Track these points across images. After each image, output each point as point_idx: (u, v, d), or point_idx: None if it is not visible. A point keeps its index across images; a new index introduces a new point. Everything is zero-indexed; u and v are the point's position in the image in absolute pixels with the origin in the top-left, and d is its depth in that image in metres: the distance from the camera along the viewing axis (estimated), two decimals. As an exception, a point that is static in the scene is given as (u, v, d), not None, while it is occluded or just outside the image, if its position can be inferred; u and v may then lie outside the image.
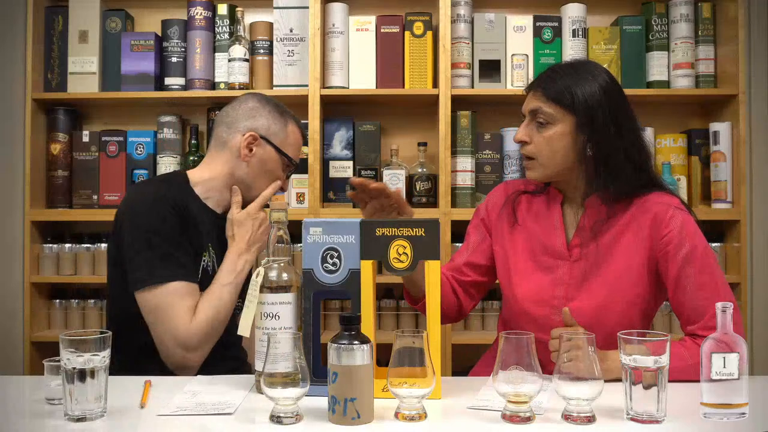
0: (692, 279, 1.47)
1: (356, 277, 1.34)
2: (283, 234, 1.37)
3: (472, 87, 2.63)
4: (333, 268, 1.35)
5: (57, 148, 2.69)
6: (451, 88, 2.55)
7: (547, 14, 2.66)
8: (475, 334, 2.62)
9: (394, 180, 2.60)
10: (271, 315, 1.34)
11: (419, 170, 2.63)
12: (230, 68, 2.62)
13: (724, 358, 1.17)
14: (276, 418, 1.17)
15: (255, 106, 1.77)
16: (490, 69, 2.64)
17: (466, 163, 2.60)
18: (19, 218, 2.70)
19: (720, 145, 2.59)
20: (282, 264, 1.36)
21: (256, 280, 1.35)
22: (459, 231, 1.89)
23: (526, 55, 2.64)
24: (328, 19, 2.62)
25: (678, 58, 2.63)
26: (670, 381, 1.18)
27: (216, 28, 2.67)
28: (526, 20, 2.65)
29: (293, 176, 2.62)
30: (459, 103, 2.63)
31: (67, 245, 2.66)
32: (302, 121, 2.58)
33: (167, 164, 2.66)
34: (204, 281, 1.65)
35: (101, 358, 1.17)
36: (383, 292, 2.59)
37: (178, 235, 1.61)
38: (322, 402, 1.20)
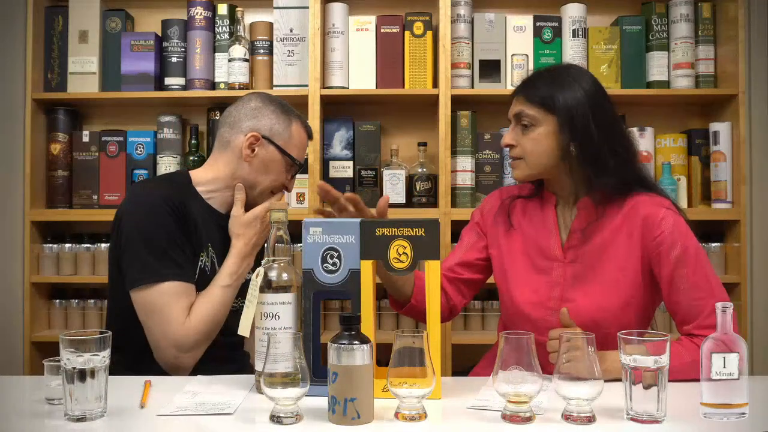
0: (686, 279, 1.49)
1: (356, 277, 1.34)
2: (283, 234, 1.37)
3: (472, 87, 2.63)
4: (333, 268, 1.35)
5: (57, 148, 2.69)
6: (451, 88, 2.55)
7: (547, 14, 2.66)
8: (475, 334, 2.62)
9: (394, 180, 2.60)
10: (271, 315, 1.34)
11: (419, 170, 2.63)
12: (230, 68, 2.62)
13: (724, 358, 1.17)
14: (276, 418, 1.17)
15: (258, 106, 1.77)
16: (490, 69, 2.64)
17: (466, 163, 2.60)
18: (19, 218, 2.70)
19: (720, 145, 2.59)
20: (282, 264, 1.36)
21: (256, 280, 1.35)
22: (459, 231, 1.88)
23: (526, 55, 2.64)
24: (328, 19, 2.62)
25: (678, 58, 2.63)
26: (669, 381, 1.18)
27: (216, 28, 2.67)
28: (526, 20, 2.65)
29: (293, 176, 2.62)
30: (459, 103, 2.63)
31: (67, 245, 2.66)
32: (302, 121, 2.60)
33: (167, 164, 2.65)
34: (201, 281, 1.65)
35: (101, 358, 1.17)
36: (383, 292, 2.59)
37: (176, 234, 1.61)
38: (322, 402, 1.20)
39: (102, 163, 2.68)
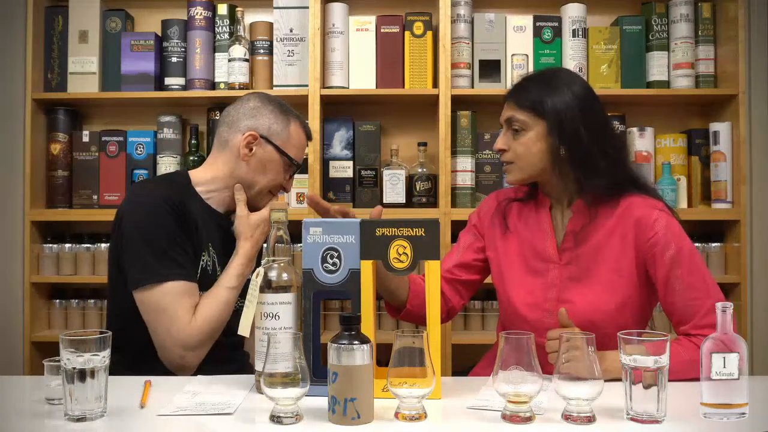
0: (681, 280, 1.50)
1: (356, 277, 1.34)
2: (283, 234, 1.37)
3: (472, 87, 2.63)
4: (333, 268, 1.35)
5: (57, 148, 2.69)
6: (451, 88, 2.55)
7: (547, 14, 2.66)
8: (475, 334, 2.62)
9: (394, 180, 2.60)
10: (271, 315, 1.34)
11: (419, 170, 2.63)
12: (230, 68, 2.62)
13: (724, 358, 1.17)
14: (276, 418, 1.17)
15: (256, 106, 1.77)
16: (490, 69, 2.64)
17: (466, 163, 2.60)
18: (19, 218, 2.70)
19: (720, 145, 2.59)
20: (282, 264, 1.36)
21: (256, 280, 1.35)
22: (459, 231, 1.88)
23: (526, 55, 2.64)
24: (328, 19, 2.62)
25: (678, 58, 2.63)
26: (669, 381, 1.18)
27: (216, 28, 2.67)
28: (526, 20, 2.65)
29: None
30: (459, 103, 2.63)
31: (67, 245, 2.66)
32: (302, 121, 2.60)
33: (167, 164, 2.65)
34: (203, 281, 1.65)
35: (101, 358, 1.17)
36: (383, 292, 2.60)
37: (177, 234, 1.61)
38: (322, 402, 1.20)
39: (102, 163, 2.68)
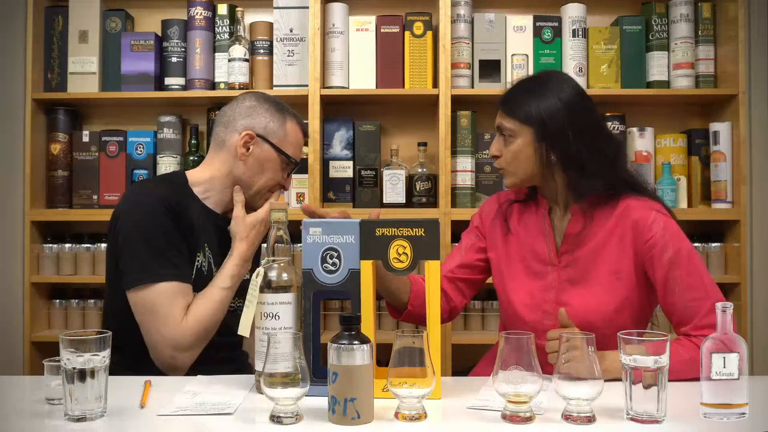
0: (680, 281, 1.50)
1: (356, 277, 1.34)
2: (283, 234, 1.37)
3: (472, 87, 2.63)
4: (333, 268, 1.35)
5: (57, 148, 2.69)
6: (451, 88, 2.55)
7: (547, 14, 2.66)
8: (475, 334, 2.62)
9: (394, 180, 2.60)
10: (271, 315, 1.34)
11: (419, 170, 2.63)
12: (230, 68, 2.62)
13: (724, 358, 1.17)
14: (276, 418, 1.17)
15: (252, 105, 1.76)
16: (490, 69, 2.64)
17: (466, 163, 2.60)
18: (19, 218, 2.70)
19: (720, 145, 2.59)
20: (282, 264, 1.36)
21: (256, 280, 1.35)
22: (459, 231, 1.89)
23: (526, 55, 2.64)
24: (328, 19, 2.62)
25: (678, 58, 2.63)
26: (669, 380, 1.18)
27: (216, 28, 2.67)
28: (526, 20, 2.65)
29: (293, 176, 2.61)
30: (459, 103, 2.63)
31: (67, 245, 2.66)
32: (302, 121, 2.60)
33: (167, 164, 2.65)
34: (198, 281, 1.64)
35: (101, 358, 1.17)
36: (383, 292, 2.59)
37: (173, 234, 1.61)
38: (322, 402, 1.20)
39: (102, 163, 2.68)
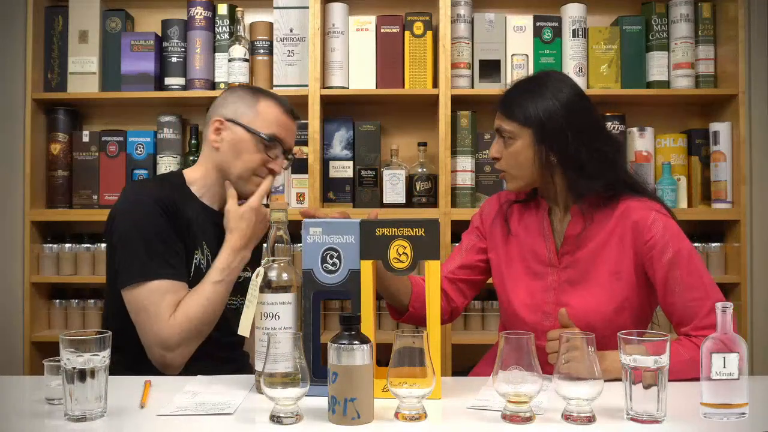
0: (680, 281, 1.50)
1: (356, 277, 1.34)
2: (283, 234, 1.37)
3: (472, 87, 2.63)
4: (333, 268, 1.35)
5: (57, 148, 2.69)
6: (451, 88, 2.55)
7: (547, 14, 2.66)
8: (475, 334, 2.62)
9: (394, 180, 2.60)
10: (271, 315, 1.34)
11: (419, 170, 2.63)
12: (230, 68, 2.62)
13: (724, 358, 1.17)
14: (276, 418, 1.17)
15: (225, 95, 1.77)
16: (490, 69, 2.64)
17: (466, 163, 2.60)
18: (19, 218, 2.70)
19: (720, 145, 2.59)
20: (282, 264, 1.36)
21: (256, 280, 1.35)
22: (459, 231, 1.89)
23: (526, 55, 2.64)
24: (328, 19, 2.62)
25: (678, 58, 2.63)
26: (669, 380, 1.18)
27: (216, 28, 2.67)
28: (526, 20, 2.65)
29: (293, 176, 2.62)
30: (459, 103, 2.63)
31: (67, 245, 2.66)
32: (302, 121, 2.59)
33: (167, 164, 2.65)
34: (196, 280, 1.64)
35: (101, 358, 1.17)
36: (383, 292, 2.59)
37: (167, 233, 1.61)
38: (322, 402, 1.20)
39: (102, 163, 2.68)
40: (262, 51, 2.67)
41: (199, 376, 1.49)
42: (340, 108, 2.73)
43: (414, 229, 1.33)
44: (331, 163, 2.64)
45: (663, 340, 1.17)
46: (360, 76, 2.63)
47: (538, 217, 1.67)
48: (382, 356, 1.29)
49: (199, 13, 2.65)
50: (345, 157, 2.64)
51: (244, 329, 1.36)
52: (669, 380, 1.18)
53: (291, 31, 2.64)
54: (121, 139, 2.68)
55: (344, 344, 1.15)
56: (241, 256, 1.65)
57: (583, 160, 1.56)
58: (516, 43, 2.64)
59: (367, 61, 2.63)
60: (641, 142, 2.64)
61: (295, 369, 1.16)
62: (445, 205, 2.53)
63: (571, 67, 2.61)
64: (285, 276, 1.35)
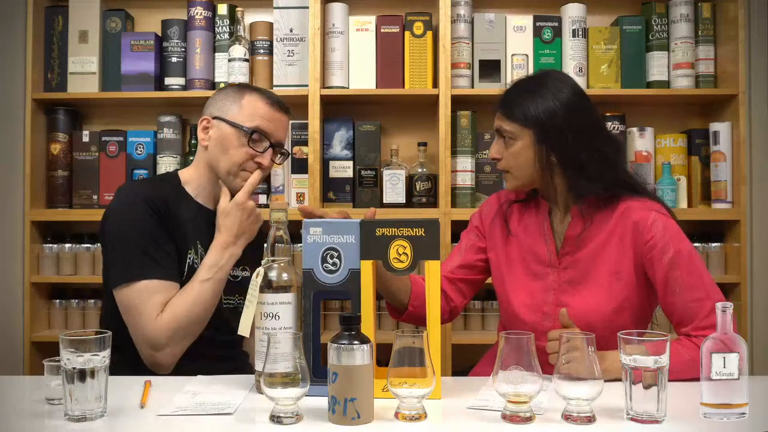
0: (680, 281, 1.50)
1: (356, 277, 1.34)
2: (283, 234, 1.37)
3: (472, 87, 2.63)
4: (333, 268, 1.35)
5: (57, 148, 2.69)
6: (451, 88, 2.55)
7: (547, 14, 2.66)
8: (475, 334, 2.62)
9: (394, 180, 2.60)
10: (271, 315, 1.34)
11: (419, 170, 2.63)
12: (230, 68, 2.62)
13: (724, 358, 1.17)
14: (276, 418, 1.17)
15: (213, 94, 1.78)
16: (490, 69, 2.64)
17: (466, 163, 2.60)
18: (19, 218, 2.70)
19: (720, 145, 2.59)
20: (282, 264, 1.36)
21: (256, 280, 1.35)
22: (459, 231, 1.88)
23: (526, 55, 2.64)
24: (328, 19, 2.62)
25: (678, 58, 2.63)
26: (669, 380, 1.18)
27: (216, 28, 2.67)
28: (526, 20, 2.65)
29: (293, 176, 2.62)
30: (459, 103, 2.63)
31: (67, 245, 2.66)
32: (302, 121, 2.60)
33: (167, 164, 2.65)
34: (190, 279, 1.64)
35: (101, 358, 1.17)
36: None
37: (157, 234, 1.61)
38: (322, 402, 1.20)
39: (102, 163, 2.68)
40: (262, 51, 2.67)
41: (198, 376, 1.49)
42: (340, 108, 2.73)
43: (414, 229, 1.33)
44: (331, 163, 2.64)
45: (663, 340, 1.17)
46: (360, 76, 2.63)
47: (539, 217, 1.67)
48: (382, 356, 1.29)
49: (199, 13, 2.65)
50: (345, 157, 2.64)
51: (244, 329, 1.36)
52: (669, 380, 1.18)
53: (291, 31, 2.64)
54: (121, 139, 2.68)
55: (344, 344, 1.15)
56: (229, 253, 1.64)
57: (583, 160, 1.56)
58: (516, 43, 2.64)
59: (367, 61, 2.63)
60: (641, 142, 2.64)
61: (295, 369, 1.16)
62: (445, 205, 2.53)
63: (571, 67, 2.61)
64: (285, 276, 1.35)
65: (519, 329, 1.55)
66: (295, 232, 1.36)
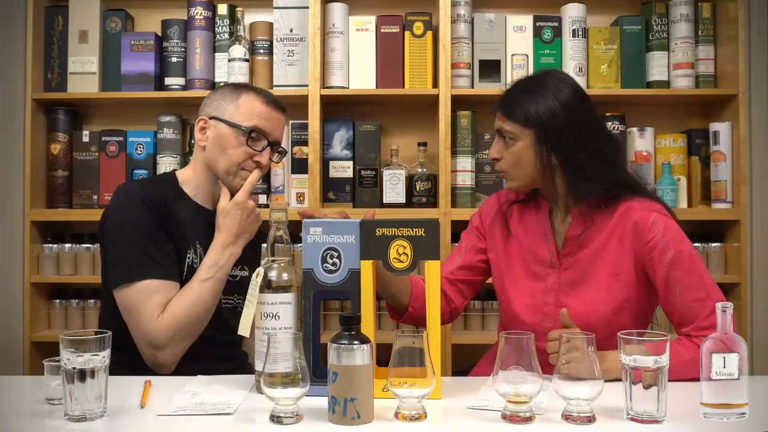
0: (681, 282, 1.50)
1: (356, 277, 1.34)
2: (283, 234, 1.37)
3: (472, 87, 2.63)
4: (333, 268, 1.35)
5: (57, 148, 2.69)
6: (451, 88, 2.55)
7: (547, 14, 2.66)
8: (475, 334, 2.62)
9: (394, 180, 2.60)
10: (271, 315, 1.34)
11: (419, 170, 2.63)
12: (230, 68, 2.62)
13: (724, 358, 1.17)
14: (276, 418, 1.17)
15: (210, 94, 1.78)
16: (490, 69, 2.64)
17: (466, 163, 2.60)
18: (19, 218, 2.70)
19: (720, 145, 2.59)
20: (282, 264, 1.36)
21: (256, 280, 1.35)
22: (459, 231, 1.89)
23: (526, 55, 2.64)
24: (328, 19, 2.62)
25: (678, 58, 2.63)
26: (669, 380, 1.18)
27: (216, 28, 2.67)
28: (526, 20, 2.65)
29: (293, 176, 2.62)
30: (459, 103, 2.63)
31: (67, 245, 2.66)
32: (302, 121, 2.60)
33: (167, 164, 2.65)
34: (190, 278, 1.64)
35: (101, 358, 1.17)
36: (383, 292, 2.59)
37: (156, 234, 1.61)
38: (322, 402, 1.20)
39: (102, 163, 2.68)
40: (262, 51, 2.67)
41: (198, 376, 1.49)
42: (340, 108, 2.73)
43: (414, 229, 1.33)
44: (331, 163, 2.64)
45: (663, 340, 1.17)
46: (360, 76, 2.63)
47: (539, 217, 1.67)
48: (382, 356, 1.29)
49: (199, 13, 2.65)
50: (345, 157, 2.64)
51: (244, 329, 1.36)
52: (669, 380, 1.18)
53: (291, 31, 2.64)
54: (121, 139, 2.68)
55: (344, 344, 1.15)
56: (229, 252, 1.64)
57: (584, 160, 1.55)
58: (516, 43, 2.64)
59: (367, 61, 2.63)
60: (641, 142, 2.64)
61: (295, 369, 1.16)
62: (445, 205, 2.53)
63: (571, 67, 2.61)
64: (285, 276, 1.35)
65: (519, 329, 1.56)
66: (295, 232, 1.36)
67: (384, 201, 2.60)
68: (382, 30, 2.63)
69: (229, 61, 2.62)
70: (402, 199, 2.60)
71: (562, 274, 1.61)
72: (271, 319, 1.33)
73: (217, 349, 1.71)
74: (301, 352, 1.17)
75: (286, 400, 1.16)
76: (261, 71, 2.66)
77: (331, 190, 2.63)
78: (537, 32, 2.64)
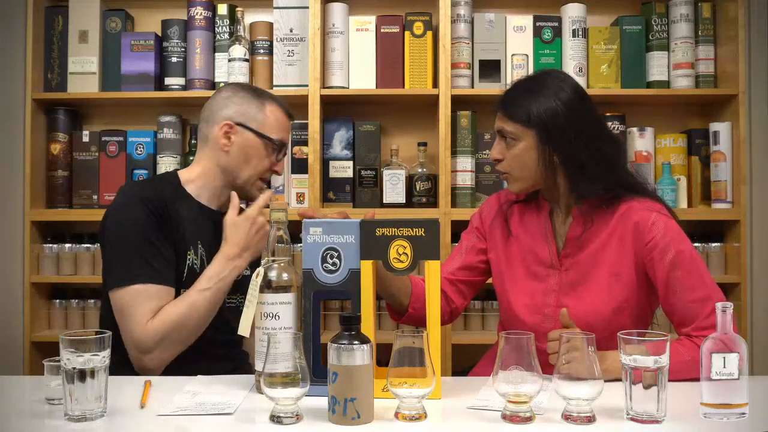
0: (681, 282, 1.50)
1: (356, 277, 1.34)
2: (283, 234, 1.37)
3: (472, 87, 2.63)
4: (333, 268, 1.35)
5: (57, 148, 2.68)
6: (451, 88, 2.55)
7: (547, 14, 2.66)
8: (475, 334, 2.62)
9: (394, 180, 2.60)
10: (271, 315, 1.34)
11: (419, 170, 2.63)
12: (230, 68, 2.62)
13: (724, 358, 1.17)
14: (276, 418, 1.17)
15: (228, 95, 1.77)
16: (490, 69, 2.64)
17: (466, 163, 2.60)
18: (19, 218, 2.70)
19: (720, 145, 2.59)
20: (282, 264, 1.36)
21: (256, 280, 1.35)
22: (459, 231, 1.89)
23: (526, 55, 2.64)
24: (328, 19, 2.62)
25: (678, 58, 2.63)
26: (669, 380, 1.18)
27: (216, 28, 2.67)
28: (526, 20, 2.65)
29: (293, 176, 2.62)
30: (459, 103, 2.63)
31: (67, 245, 2.66)
32: (302, 121, 2.60)
33: (167, 164, 2.65)
34: (190, 280, 1.64)
35: (101, 358, 1.18)
36: (383, 292, 2.59)
37: (154, 236, 1.61)
38: (322, 402, 1.20)
39: (102, 163, 2.68)
40: (262, 51, 2.67)
41: (198, 376, 1.49)
42: (340, 108, 2.73)
43: (414, 229, 1.33)
44: (331, 163, 2.64)
45: (663, 340, 1.17)
46: (360, 76, 2.63)
47: (540, 218, 1.67)
48: (382, 356, 1.29)
49: (199, 13, 2.65)
50: (345, 157, 2.64)
51: (244, 329, 1.36)
52: (669, 380, 1.18)
53: (291, 31, 2.64)
54: (121, 139, 2.68)
55: (344, 344, 1.15)
56: (233, 265, 1.63)
57: (584, 159, 1.55)
58: (516, 43, 2.64)
59: (367, 61, 2.63)
60: (641, 142, 2.64)
61: (295, 369, 1.16)
62: (445, 205, 2.53)
63: (571, 67, 2.61)
64: (285, 276, 1.35)
65: (519, 330, 1.56)
66: (295, 232, 1.36)
67: (384, 201, 2.60)
68: (382, 30, 2.63)
69: (229, 61, 2.62)
70: (402, 199, 2.60)
71: (563, 275, 1.61)
72: (271, 319, 1.34)
73: (218, 348, 1.71)
74: (301, 352, 1.17)
75: (286, 400, 1.16)
76: (261, 71, 2.66)
77: (331, 190, 2.63)
78: (537, 32, 2.64)
